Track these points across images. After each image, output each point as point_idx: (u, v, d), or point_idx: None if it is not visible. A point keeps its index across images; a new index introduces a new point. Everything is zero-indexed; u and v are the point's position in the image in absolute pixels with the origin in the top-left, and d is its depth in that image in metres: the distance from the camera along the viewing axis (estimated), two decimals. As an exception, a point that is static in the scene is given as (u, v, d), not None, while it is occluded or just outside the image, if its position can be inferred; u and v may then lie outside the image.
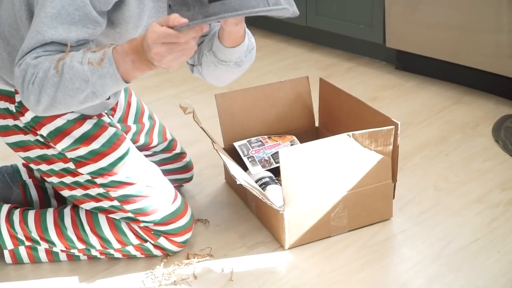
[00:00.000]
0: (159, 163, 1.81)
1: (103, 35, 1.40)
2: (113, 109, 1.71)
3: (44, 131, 1.48)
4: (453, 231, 1.68)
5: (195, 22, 1.13)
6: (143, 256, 1.62)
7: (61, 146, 1.49)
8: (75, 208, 1.60)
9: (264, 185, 1.72)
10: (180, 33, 1.18)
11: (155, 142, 1.80)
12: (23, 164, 1.77)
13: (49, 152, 1.52)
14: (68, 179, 1.54)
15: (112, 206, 1.55)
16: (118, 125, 1.64)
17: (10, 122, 1.51)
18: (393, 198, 1.73)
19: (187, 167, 1.88)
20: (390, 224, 1.72)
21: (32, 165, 1.56)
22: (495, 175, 1.92)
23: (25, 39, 1.30)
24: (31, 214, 1.60)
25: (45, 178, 1.58)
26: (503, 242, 1.62)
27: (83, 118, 1.49)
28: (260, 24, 3.30)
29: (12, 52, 1.43)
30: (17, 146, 1.54)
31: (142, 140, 1.76)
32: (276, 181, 1.75)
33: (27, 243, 1.59)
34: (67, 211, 1.60)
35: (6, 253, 1.59)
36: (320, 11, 2.90)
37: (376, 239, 1.65)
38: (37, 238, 1.58)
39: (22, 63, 1.29)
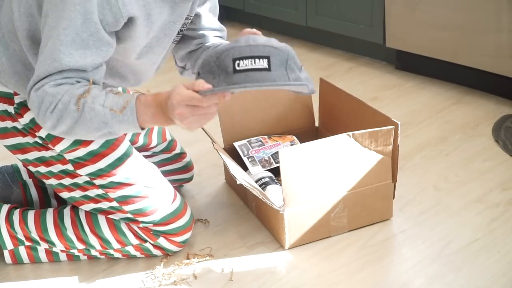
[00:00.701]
0: (159, 163, 1.80)
1: None
2: None
3: (43, 132, 1.48)
4: (453, 231, 1.68)
5: (219, 89, 1.18)
6: (143, 256, 1.62)
7: (60, 147, 1.49)
8: (75, 208, 1.60)
9: (264, 185, 1.72)
10: (203, 98, 1.23)
11: (154, 143, 1.80)
12: (23, 164, 1.77)
13: (47, 154, 1.51)
14: (66, 181, 1.54)
15: (111, 207, 1.55)
16: None
17: (8, 124, 1.51)
18: (393, 198, 1.73)
19: (187, 167, 1.87)
20: (390, 224, 1.72)
21: (30, 168, 1.56)
22: (495, 175, 1.92)
23: (40, 64, 1.31)
24: (30, 214, 1.60)
25: (44, 180, 1.58)
26: (503, 242, 1.62)
27: None
28: (260, 24, 3.30)
29: (12, 58, 1.43)
30: (15, 149, 1.54)
31: (141, 141, 1.76)
32: (276, 181, 1.75)
33: (27, 243, 1.59)
34: (66, 211, 1.60)
35: (6, 253, 1.59)
36: (320, 11, 2.90)
37: (376, 239, 1.65)
38: (37, 238, 1.58)
39: (39, 89, 1.31)
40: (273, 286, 1.51)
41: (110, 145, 1.51)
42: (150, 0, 1.36)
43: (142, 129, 1.35)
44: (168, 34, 1.47)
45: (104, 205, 1.55)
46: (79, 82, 1.33)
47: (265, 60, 1.13)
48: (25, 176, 1.75)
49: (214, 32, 1.63)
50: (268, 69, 1.13)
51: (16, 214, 1.60)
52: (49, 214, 1.60)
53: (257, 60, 1.13)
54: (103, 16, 1.30)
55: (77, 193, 1.55)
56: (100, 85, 1.37)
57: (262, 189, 1.69)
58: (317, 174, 1.58)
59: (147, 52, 1.47)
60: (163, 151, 1.83)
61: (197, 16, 1.58)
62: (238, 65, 1.13)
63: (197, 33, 1.61)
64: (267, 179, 1.74)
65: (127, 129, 1.34)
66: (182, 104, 1.26)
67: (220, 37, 1.65)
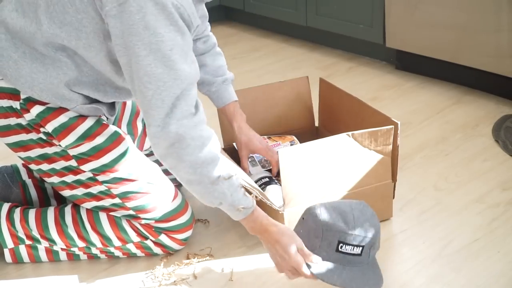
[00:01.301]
0: (159, 162, 1.81)
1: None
2: None
3: (49, 127, 1.48)
4: (453, 231, 1.68)
5: (328, 281, 1.39)
6: (143, 254, 1.62)
7: (65, 142, 1.49)
8: (76, 206, 1.61)
9: (264, 185, 1.72)
10: (306, 274, 1.38)
11: (146, 147, 1.81)
12: (23, 164, 1.77)
13: (51, 150, 1.52)
14: (69, 178, 1.54)
15: (113, 204, 1.55)
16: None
17: (12, 121, 1.51)
18: (393, 198, 1.73)
19: (187, 166, 1.87)
20: (390, 224, 1.72)
21: (32, 166, 1.56)
22: (495, 175, 1.92)
23: (161, 89, 1.30)
24: (31, 212, 1.60)
25: (46, 178, 1.58)
26: (503, 242, 1.62)
27: (84, 116, 1.51)
28: (260, 24, 3.30)
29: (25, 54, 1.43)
30: (18, 146, 1.54)
31: (134, 144, 1.76)
32: (276, 181, 1.75)
33: (27, 242, 1.59)
34: (67, 209, 1.60)
35: (6, 252, 1.59)
36: (320, 11, 2.91)
37: (376, 239, 1.65)
38: (38, 236, 1.58)
39: (179, 124, 1.31)
40: (273, 286, 1.51)
41: (114, 140, 1.52)
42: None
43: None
44: None
45: (107, 202, 1.55)
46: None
47: (360, 248, 1.40)
48: (24, 176, 1.75)
49: (203, 19, 1.67)
50: (360, 255, 1.40)
51: (17, 212, 1.60)
52: (50, 212, 1.60)
53: (355, 248, 1.40)
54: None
55: (80, 191, 1.55)
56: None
57: (262, 189, 1.69)
58: (317, 174, 1.58)
59: None
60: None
61: None
62: (341, 247, 1.40)
63: None
64: (267, 179, 1.74)
65: (228, 213, 1.44)
66: (285, 262, 1.39)
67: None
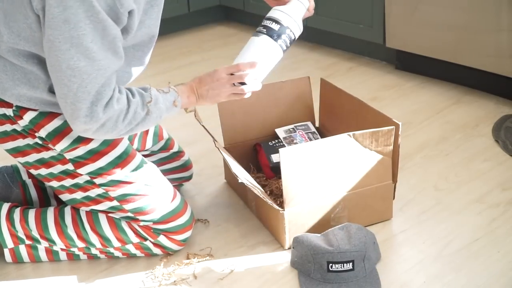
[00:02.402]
0: (158, 162, 1.81)
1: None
2: None
3: (43, 132, 1.48)
4: (453, 231, 1.68)
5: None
6: (143, 255, 1.62)
7: (60, 146, 1.49)
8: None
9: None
10: (241, 66, 1.50)
11: (148, 145, 1.80)
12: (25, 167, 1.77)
13: (47, 154, 1.52)
14: (67, 182, 1.54)
15: (111, 207, 1.55)
16: None
17: (7, 127, 1.51)
18: (393, 198, 1.73)
19: (186, 166, 1.88)
20: (390, 224, 1.72)
21: (32, 170, 1.57)
22: (495, 175, 1.92)
23: (86, 81, 1.31)
24: (31, 213, 1.60)
25: (46, 182, 1.58)
26: (503, 242, 1.62)
27: None
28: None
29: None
30: (16, 152, 1.55)
31: (135, 145, 1.76)
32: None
33: (27, 242, 1.59)
34: (67, 210, 1.60)
35: (6, 251, 1.59)
36: (320, 11, 2.90)
37: (376, 239, 1.65)
38: (37, 236, 1.58)
39: (107, 107, 1.35)
40: (273, 286, 1.51)
41: (109, 144, 1.51)
42: None
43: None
44: (154, 4, 1.45)
45: (105, 205, 1.55)
46: (132, 94, 1.43)
47: (350, 264, 1.47)
48: (24, 176, 1.75)
49: None
50: (352, 269, 1.47)
51: (17, 212, 1.60)
52: (50, 212, 1.60)
53: (345, 264, 1.47)
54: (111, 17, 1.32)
55: (78, 195, 1.55)
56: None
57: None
58: (317, 174, 1.58)
59: (138, 35, 1.46)
60: (161, 150, 1.83)
61: None
62: (331, 267, 1.47)
63: None
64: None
65: (172, 114, 1.52)
66: (226, 84, 1.48)
67: None
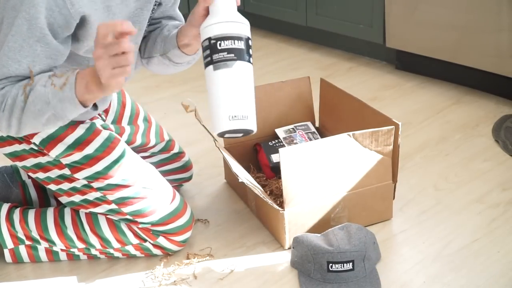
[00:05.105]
0: (158, 164, 1.80)
1: (71, 54, 1.38)
2: (106, 111, 1.71)
3: (37, 139, 1.48)
4: (453, 231, 1.68)
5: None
6: (143, 255, 1.62)
7: (54, 153, 1.49)
8: (75, 208, 1.61)
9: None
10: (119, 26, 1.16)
11: (152, 143, 1.80)
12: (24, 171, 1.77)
13: (44, 159, 1.52)
14: (65, 186, 1.54)
15: (110, 210, 1.55)
16: (112, 127, 1.65)
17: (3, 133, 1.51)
18: (393, 198, 1.73)
19: (186, 167, 1.87)
20: (390, 224, 1.72)
21: (30, 174, 1.57)
22: (495, 175, 1.92)
23: None
24: (31, 213, 1.60)
25: (45, 185, 1.58)
26: (503, 242, 1.62)
27: (75, 123, 1.50)
28: (260, 24, 3.30)
29: None
30: (13, 156, 1.55)
31: (139, 140, 1.76)
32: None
33: (27, 242, 1.59)
34: (67, 210, 1.60)
35: (6, 252, 1.59)
36: (320, 11, 2.90)
37: (376, 239, 1.65)
38: (37, 237, 1.58)
39: None
40: (273, 286, 1.52)
41: (105, 148, 1.51)
42: None
43: (84, 106, 1.27)
44: (137, 22, 1.41)
45: (103, 208, 1.55)
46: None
47: (350, 263, 1.47)
48: (24, 176, 1.75)
49: (171, 20, 1.57)
50: (352, 269, 1.47)
51: (17, 213, 1.60)
52: (50, 213, 1.60)
53: (345, 264, 1.47)
54: (54, 20, 1.26)
55: (77, 198, 1.55)
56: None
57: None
58: (317, 174, 1.58)
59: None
60: (161, 151, 1.83)
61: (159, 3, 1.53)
62: (331, 267, 1.47)
63: (154, 21, 1.55)
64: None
65: (70, 109, 1.27)
66: (98, 44, 1.17)
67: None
